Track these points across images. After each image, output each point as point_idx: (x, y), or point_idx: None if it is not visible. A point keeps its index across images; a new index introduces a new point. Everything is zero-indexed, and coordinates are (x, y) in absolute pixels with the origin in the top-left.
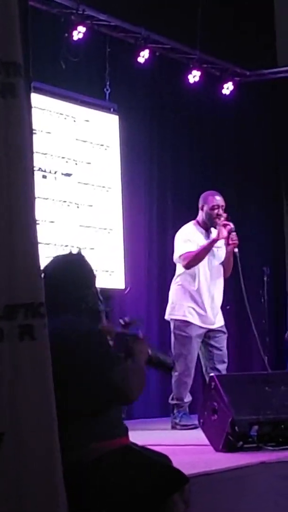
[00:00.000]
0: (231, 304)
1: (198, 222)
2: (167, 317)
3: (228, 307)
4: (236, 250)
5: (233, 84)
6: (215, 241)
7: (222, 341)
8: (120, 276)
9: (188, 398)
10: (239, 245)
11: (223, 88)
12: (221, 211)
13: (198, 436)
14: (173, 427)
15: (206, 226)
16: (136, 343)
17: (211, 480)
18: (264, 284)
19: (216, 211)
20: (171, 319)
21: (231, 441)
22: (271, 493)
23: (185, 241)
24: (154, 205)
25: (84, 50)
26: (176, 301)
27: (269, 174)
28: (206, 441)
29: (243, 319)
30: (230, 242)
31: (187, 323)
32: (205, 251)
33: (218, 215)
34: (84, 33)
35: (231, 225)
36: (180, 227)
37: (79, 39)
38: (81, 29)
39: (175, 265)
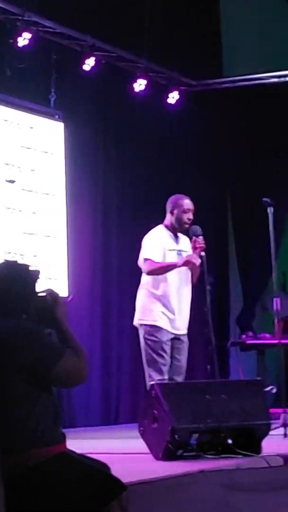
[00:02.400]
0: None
1: (166, 226)
2: (136, 322)
3: None
4: (203, 253)
5: (178, 94)
6: (180, 266)
7: (183, 352)
8: (63, 284)
9: None
10: None
11: (168, 97)
12: (191, 216)
13: (138, 444)
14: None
15: (175, 230)
16: (56, 306)
17: (150, 488)
18: (206, 293)
19: (187, 215)
20: (141, 324)
21: (171, 449)
22: (210, 502)
23: (152, 245)
24: (99, 213)
25: (30, 57)
26: (145, 306)
27: (214, 183)
28: (146, 450)
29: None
30: (197, 245)
31: (157, 328)
32: (169, 268)
33: (189, 219)
34: (29, 40)
35: (203, 245)
36: (124, 235)
37: (24, 45)
38: (27, 35)
39: (119, 272)
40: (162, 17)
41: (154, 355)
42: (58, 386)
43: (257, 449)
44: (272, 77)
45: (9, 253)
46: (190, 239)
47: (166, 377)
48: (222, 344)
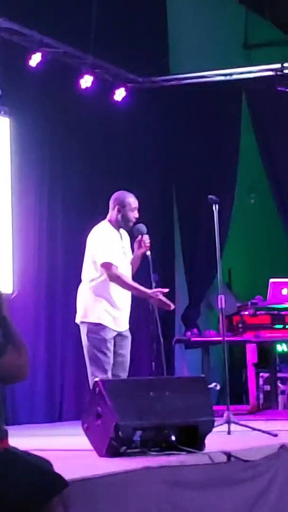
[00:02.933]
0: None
1: (110, 221)
2: (78, 320)
3: None
4: (148, 253)
5: (125, 90)
6: (147, 294)
7: (126, 347)
8: (7, 280)
9: None
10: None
11: (115, 94)
12: (137, 214)
13: (81, 442)
14: None
15: (119, 227)
16: (2, 302)
17: (92, 484)
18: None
19: (133, 213)
20: (83, 322)
21: (115, 446)
22: (154, 499)
23: (106, 247)
24: (44, 209)
25: None
26: (88, 304)
27: (161, 181)
28: (90, 447)
29: (132, 325)
30: (143, 245)
31: (101, 326)
32: (135, 292)
33: (135, 218)
34: None
35: (148, 244)
36: (69, 232)
37: None
38: None
39: (64, 269)
40: (109, 14)
41: (98, 353)
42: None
43: (200, 446)
44: (217, 75)
45: None
46: (135, 237)
47: (109, 374)
48: (167, 341)
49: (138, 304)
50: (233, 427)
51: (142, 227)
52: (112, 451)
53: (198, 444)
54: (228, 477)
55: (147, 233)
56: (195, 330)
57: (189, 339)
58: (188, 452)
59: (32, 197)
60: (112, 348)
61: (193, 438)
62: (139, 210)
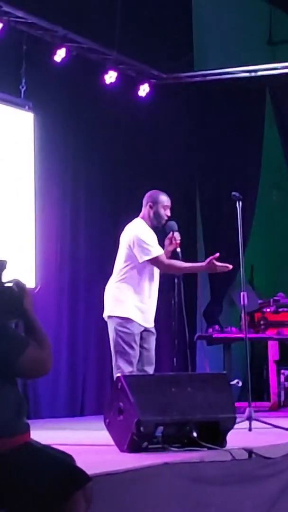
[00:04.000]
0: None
1: (143, 219)
2: (106, 314)
3: None
4: (178, 249)
5: (149, 86)
6: (204, 267)
7: (151, 342)
8: (30, 275)
9: None
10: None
11: (139, 89)
12: (169, 212)
13: (103, 436)
14: None
15: (151, 224)
16: (23, 296)
17: (114, 480)
18: (174, 286)
19: (166, 211)
20: (111, 316)
21: (136, 441)
22: (174, 494)
23: (151, 239)
24: (67, 204)
25: (0, 47)
26: (117, 298)
27: (184, 178)
28: (111, 442)
29: (155, 321)
30: (173, 241)
31: (129, 321)
32: (191, 270)
33: (168, 216)
34: (0, 30)
35: (179, 241)
36: (92, 226)
37: None
38: None
39: (86, 263)
40: (134, 9)
41: (126, 347)
42: (22, 377)
43: (222, 442)
44: (242, 71)
45: None
46: (166, 234)
47: (135, 369)
48: (189, 337)
49: (161, 300)
50: (254, 424)
51: (173, 224)
52: (133, 447)
53: (219, 440)
54: (249, 474)
55: (178, 231)
56: (216, 327)
57: (211, 335)
58: (209, 448)
59: (55, 192)
60: (138, 343)
61: (214, 435)
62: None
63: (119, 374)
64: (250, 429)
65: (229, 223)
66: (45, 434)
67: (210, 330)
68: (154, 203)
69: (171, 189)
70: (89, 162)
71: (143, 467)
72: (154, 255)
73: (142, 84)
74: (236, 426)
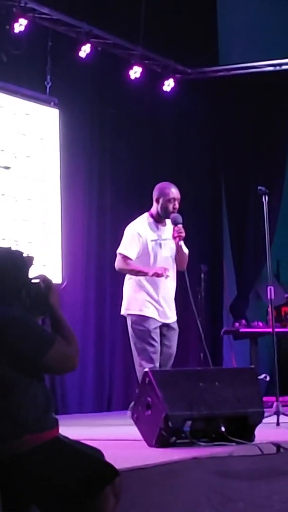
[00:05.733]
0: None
1: (152, 214)
2: (123, 312)
3: None
4: (181, 243)
5: (174, 81)
6: (150, 275)
7: (173, 339)
8: (57, 271)
9: None
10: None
11: (164, 84)
12: (177, 205)
13: (132, 431)
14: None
15: (160, 219)
16: (49, 292)
17: (143, 474)
18: (201, 281)
19: (172, 204)
20: (128, 314)
21: (165, 436)
22: (203, 489)
23: (131, 241)
24: (93, 200)
25: (26, 43)
26: (131, 296)
27: (208, 172)
28: (140, 437)
29: (180, 315)
30: (176, 235)
31: (144, 318)
32: (139, 274)
33: (174, 208)
34: (25, 26)
35: (182, 234)
36: (118, 222)
37: (20, 32)
38: (23, 21)
39: (112, 259)
40: (158, 5)
41: (144, 344)
42: (49, 373)
43: (250, 437)
44: (267, 65)
45: (4, 239)
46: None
47: (157, 365)
48: (215, 332)
49: (185, 296)
50: (282, 418)
51: (177, 217)
52: (161, 442)
53: (247, 435)
54: (277, 468)
55: (181, 223)
56: (243, 321)
57: (237, 330)
58: (238, 443)
59: (81, 188)
60: (158, 338)
61: (242, 429)
62: (188, 201)
63: (146, 370)
64: (278, 424)
65: (255, 217)
66: (73, 429)
67: (237, 324)
68: (160, 196)
69: (196, 183)
70: (115, 157)
71: (172, 462)
72: (118, 251)
73: (167, 79)
74: (264, 420)
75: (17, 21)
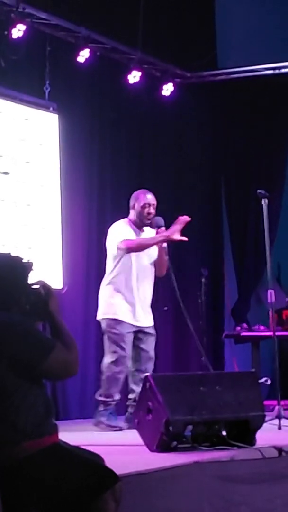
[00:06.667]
0: (169, 305)
1: (130, 220)
2: (99, 317)
3: (166, 308)
4: (164, 245)
5: (173, 85)
6: (158, 239)
7: (150, 343)
8: (57, 276)
9: (117, 396)
10: (178, 246)
11: (163, 89)
12: (152, 210)
13: (132, 436)
14: (97, 425)
15: (137, 225)
16: (49, 298)
17: (144, 479)
18: (201, 285)
19: (146, 209)
20: (103, 318)
21: (166, 441)
22: (204, 493)
23: (121, 232)
24: (93, 205)
25: (24, 49)
26: (106, 300)
27: (208, 176)
28: (141, 441)
29: (180, 320)
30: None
31: (118, 321)
32: (150, 243)
33: (149, 214)
34: (24, 31)
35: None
36: None
37: (18, 37)
38: (21, 27)
39: None
40: (157, 9)
41: (115, 347)
42: (48, 379)
43: (251, 441)
44: (266, 69)
45: (4, 245)
46: (156, 231)
47: (124, 368)
48: (216, 336)
49: (186, 299)
50: (284, 422)
51: (159, 220)
52: (163, 446)
53: (249, 439)
54: (279, 472)
55: (164, 226)
56: (244, 325)
57: (239, 333)
58: (239, 447)
59: (81, 193)
60: (130, 343)
61: (244, 433)
62: (188, 205)
63: (146, 374)
64: (279, 428)
65: (255, 220)
66: (74, 435)
67: (238, 328)
68: (135, 203)
69: (197, 187)
70: (114, 162)
71: (173, 467)
72: (117, 242)
73: (166, 83)
74: (265, 424)
75: (15, 27)
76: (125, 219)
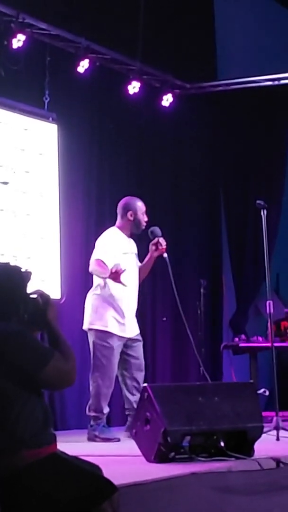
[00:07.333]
0: (168, 316)
1: (119, 227)
2: (86, 327)
3: (164, 319)
4: (165, 255)
5: (172, 96)
6: (110, 277)
7: (139, 350)
8: (56, 286)
9: (106, 410)
10: (177, 256)
11: (162, 100)
12: (146, 217)
13: (130, 447)
14: (91, 439)
15: (130, 232)
16: (47, 308)
17: (141, 490)
18: (200, 296)
19: (144, 216)
20: (91, 329)
21: (163, 451)
22: (202, 504)
23: (105, 248)
24: (92, 215)
25: (24, 59)
26: (96, 311)
27: (207, 187)
28: (138, 452)
29: (179, 331)
30: (159, 247)
31: (108, 334)
32: (102, 277)
33: (146, 222)
34: (24, 41)
35: (165, 246)
36: None
37: (18, 47)
38: (21, 37)
39: None
40: (156, 20)
41: (105, 361)
42: (46, 388)
43: (249, 452)
44: (265, 80)
45: (2, 255)
46: (151, 240)
47: (112, 384)
48: (215, 347)
49: (185, 310)
50: (282, 433)
51: (157, 230)
52: (160, 457)
53: (247, 450)
54: (277, 483)
55: (161, 236)
56: (243, 336)
57: (237, 344)
58: (237, 458)
59: (79, 203)
60: (118, 358)
61: (242, 444)
62: (187, 215)
63: (144, 384)
64: (277, 439)
65: (254, 231)
66: (72, 445)
67: (236, 339)
68: (134, 211)
69: (196, 197)
70: (113, 173)
71: (171, 477)
72: (95, 257)
73: (166, 94)
74: (263, 435)
75: (15, 37)
76: (115, 228)
